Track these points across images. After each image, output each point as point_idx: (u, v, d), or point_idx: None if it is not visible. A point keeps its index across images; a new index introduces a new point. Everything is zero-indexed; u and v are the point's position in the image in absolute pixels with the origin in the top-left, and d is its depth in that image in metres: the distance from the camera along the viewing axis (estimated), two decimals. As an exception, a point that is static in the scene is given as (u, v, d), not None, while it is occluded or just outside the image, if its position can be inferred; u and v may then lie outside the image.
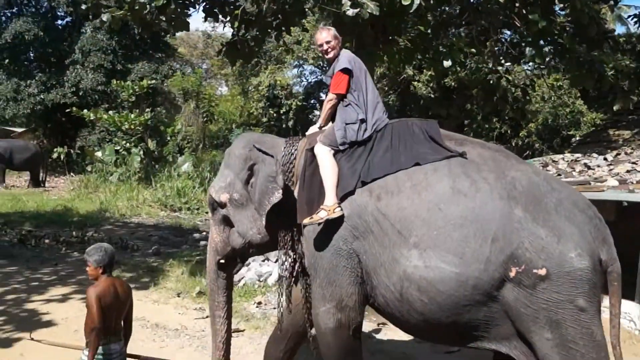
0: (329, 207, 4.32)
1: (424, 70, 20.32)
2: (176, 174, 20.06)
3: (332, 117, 4.83)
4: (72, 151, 23.85)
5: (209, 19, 11.21)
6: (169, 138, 23.01)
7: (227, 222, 5.08)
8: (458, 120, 21.00)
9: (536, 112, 21.08)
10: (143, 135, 21.38)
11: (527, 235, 3.86)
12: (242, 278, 9.45)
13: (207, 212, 17.19)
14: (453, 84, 20.71)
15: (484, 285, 3.91)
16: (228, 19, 10.86)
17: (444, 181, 4.15)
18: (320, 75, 29.19)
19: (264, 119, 25.85)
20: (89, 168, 22.91)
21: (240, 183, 4.95)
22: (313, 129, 5.08)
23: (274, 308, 8.17)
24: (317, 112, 27.65)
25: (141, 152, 21.59)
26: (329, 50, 4.85)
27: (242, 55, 11.55)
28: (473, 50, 11.36)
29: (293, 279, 4.88)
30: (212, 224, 5.26)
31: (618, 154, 10.75)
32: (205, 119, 22.96)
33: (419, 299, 4.06)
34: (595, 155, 10.78)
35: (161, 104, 25.63)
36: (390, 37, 10.66)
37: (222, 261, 5.22)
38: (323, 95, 29.20)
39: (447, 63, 10.07)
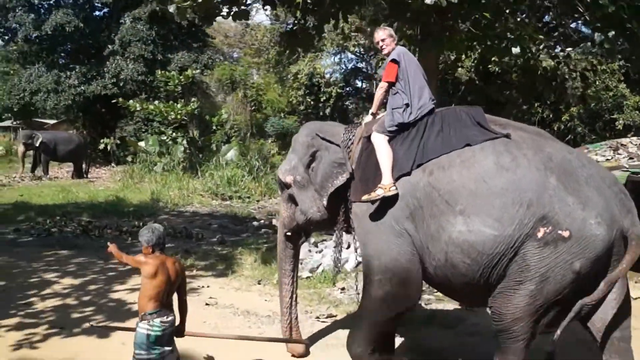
0: (386, 186, 4.82)
1: (470, 55, 20.08)
2: (224, 162, 19.98)
3: (384, 103, 5.40)
4: (118, 142, 23.87)
5: (266, 7, 11.10)
6: (214, 127, 22.93)
7: (292, 200, 5.74)
8: (499, 105, 20.85)
9: (598, 97, 20.60)
10: (188, 124, 21.28)
11: (558, 201, 4.34)
12: (320, 265, 9.33)
13: (257, 201, 17.36)
14: (497, 69, 20.48)
15: (516, 243, 4.37)
16: (286, 7, 10.78)
17: (489, 158, 4.61)
18: (358, 63, 29.11)
19: (301, 107, 25.75)
20: (129, 158, 23.00)
21: (303, 167, 5.57)
22: (368, 118, 5.55)
23: (358, 293, 8.17)
24: (351, 99, 27.50)
25: (184, 142, 21.57)
26: (384, 46, 5.44)
27: (302, 44, 11.47)
28: (541, 36, 11.12)
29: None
30: (281, 201, 6.00)
31: None
32: (253, 107, 22.82)
33: (461, 261, 4.52)
34: None
35: (204, 93, 25.59)
36: (454, 25, 10.44)
37: (289, 234, 5.92)
38: (359, 83, 29.05)
39: (515, 50, 9.93)
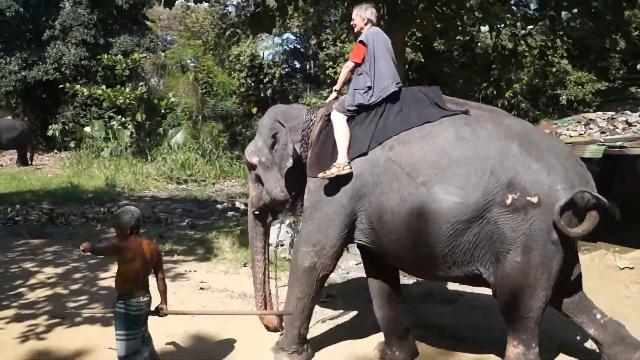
0: (340, 165, 4.95)
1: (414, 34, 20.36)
2: (175, 146, 19.90)
3: (347, 82, 5.55)
4: (67, 127, 23.39)
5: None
6: (163, 111, 22.72)
7: (259, 180, 5.86)
8: (442, 83, 21.23)
9: (557, 74, 21.02)
10: (136, 109, 21.05)
11: (522, 166, 4.46)
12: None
13: (213, 184, 17.44)
14: (442, 47, 20.83)
15: (482, 209, 4.49)
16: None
17: (448, 130, 4.75)
18: (297, 44, 29.04)
19: (242, 89, 25.61)
20: (71, 144, 22.61)
21: (267, 148, 5.70)
22: (330, 98, 5.75)
23: (347, 272, 8.44)
24: (291, 80, 27.46)
25: (131, 127, 21.35)
26: (353, 26, 5.61)
27: (264, 27, 11.58)
28: (508, 15, 11.50)
29: None
30: (249, 181, 6.10)
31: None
32: (204, 90, 22.65)
33: (425, 230, 4.65)
34: (628, 112, 11.14)
35: (151, 76, 25.29)
36: (424, 4, 10.70)
37: (257, 212, 6.02)
38: (298, 64, 29.02)
39: (484, 29, 10.24)
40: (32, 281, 8.11)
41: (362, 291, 6.66)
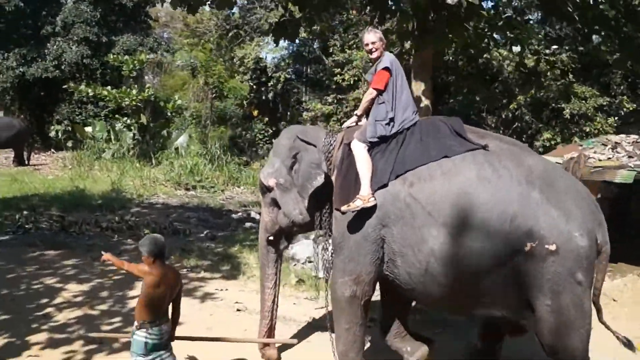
0: (365, 197, 4.92)
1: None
2: (182, 151, 19.47)
3: (368, 109, 5.39)
4: (69, 128, 22.85)
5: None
6: (169, 114, 22.28)
7: (275, 204, 5.71)
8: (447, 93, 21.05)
9: (572, 94, 20.92)
10: (142, 111, 20.59)
11: (542, 214, 4.47)
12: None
13: (222, 190, 17.06)
14: (450, 58, 20.53)
15: (501, 256, 4.53)
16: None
17: (470, 169, 4.72)
18: (300, 47, 28.68)
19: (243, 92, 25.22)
20: (69, 144, 22.12)
21: (285, 169, 5.56)
22: (349, 122, 5.70)
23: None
24: (292, 83, 27.05)
25: (134, 129, 20.88)
26: (374, 50, 5.38)
27: (289, 35, 11.29)
28: (539, 36, 11.28)
29: None
30: (263, 205, 5.94)
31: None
32: (214, 95, 22.19)
33: (443, 272, 4.69)
34: None
35: (154, 77, 24.84)
36: (458, 21, 10.38)
37: (271, 238, 5.88)
38: (302, 68, 28.61)
39: (516, 48, 10.02)
40: (58, 300, 7.67)
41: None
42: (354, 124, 5.65)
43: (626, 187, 10.52)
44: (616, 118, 15.69)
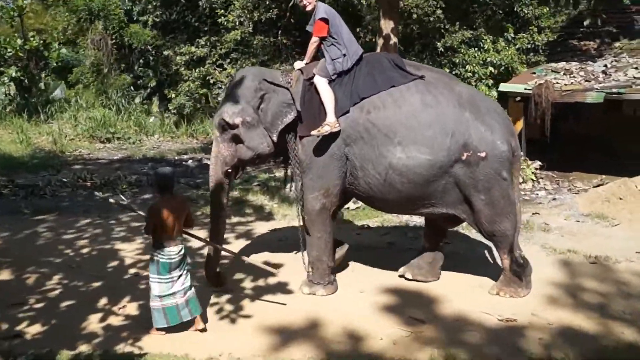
0: (332, 123, 5.80)
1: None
2: (83, 103, 18.26)
3: (313, 54, 6.30)
4: None
5: None
6: (55, 64, 20.62)
7: (235, 139, 6.23)
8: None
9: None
10: (27, 62, 18.95)
11: (473, 129, 5.73)
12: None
13: (140, 141, 16.37)
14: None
15: (446, 166, 5.73)
16: None
17: (415, 97, 5.84)
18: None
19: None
20: None
21: (252, 109, 6.16)
22: (299, 64, 6.38)
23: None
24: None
25: (11, 82, 19.25)
26: (307, 4, 6.22)
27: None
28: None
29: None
30: (219, 141, 6.31)
31: (615, 61, 12.83)
32: (114, 40, 20.62)
33: (399, 180, 5.81)
34: (590, 62, 12.91)
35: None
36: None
37: (230, 170, 6.37)
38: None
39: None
40: (128, 260, 7.38)
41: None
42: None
43: (562, 108, 12.26)
44: (475, 49, 16.78)
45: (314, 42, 6.19)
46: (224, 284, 6.49)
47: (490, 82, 15.67)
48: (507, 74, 16.31)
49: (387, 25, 11.37)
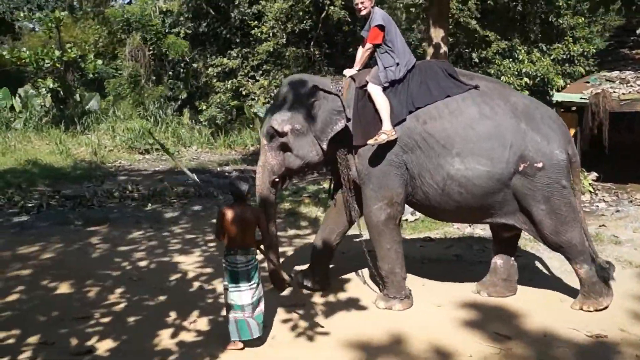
0: (388, 131, 5.66)
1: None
2: (121, 114, 18.23)
3: (366, 62, 6.23)
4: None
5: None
6: (91, 75, 20.64)
7: (283, 148, 6.06)
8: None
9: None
10: (66, 73, 18.96)
11: (529, 140, 5.64)
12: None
13: (178, 152, 16.29)
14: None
15: (504, 178, 5.65)
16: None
17: (472, 108, 5.73)
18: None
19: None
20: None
21: (301, 116, 5.98)
22: (350, 72, 6.24)
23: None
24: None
25: (48, 94, 19.22)
26: (362, 8, 6.01)
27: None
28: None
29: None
30: (266, 149, 6.13)
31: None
32: (152, 52, 20.59)
33: (458, 191, 5.72)
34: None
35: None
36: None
37: (277, 180, 6.19)
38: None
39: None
40: (191, 274, 7.11)
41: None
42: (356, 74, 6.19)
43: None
44: (510, 60, 16.66)
45: (367, 48, 6.11)
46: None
47: (526, 93, 15.21)
48: (542, 85, 16.16)
49: (437, 34, 11.13)
